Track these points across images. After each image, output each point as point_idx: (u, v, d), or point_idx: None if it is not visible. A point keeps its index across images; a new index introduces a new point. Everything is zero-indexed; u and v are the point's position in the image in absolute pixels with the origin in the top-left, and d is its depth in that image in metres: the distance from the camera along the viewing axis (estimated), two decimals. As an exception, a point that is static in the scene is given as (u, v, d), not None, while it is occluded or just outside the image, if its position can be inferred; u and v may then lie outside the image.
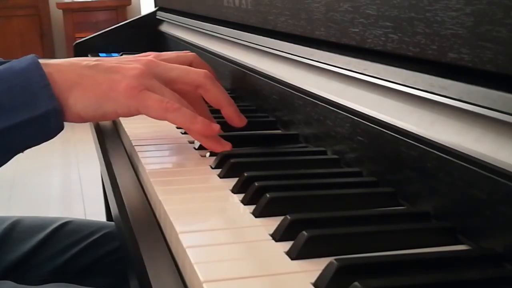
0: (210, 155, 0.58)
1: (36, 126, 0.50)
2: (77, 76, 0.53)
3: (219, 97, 0.58)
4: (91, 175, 2.65)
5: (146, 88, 0.54)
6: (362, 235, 0.38)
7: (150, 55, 0.85)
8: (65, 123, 0.54)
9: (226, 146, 0.57)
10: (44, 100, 0.50)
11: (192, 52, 0.94)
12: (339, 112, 0.54)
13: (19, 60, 0.52)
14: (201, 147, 0.60)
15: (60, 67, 0.53)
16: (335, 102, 0.55)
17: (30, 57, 0.53)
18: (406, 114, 0.45)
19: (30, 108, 0.49)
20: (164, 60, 0.84)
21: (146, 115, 0.55)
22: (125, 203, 0.52)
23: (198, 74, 0.58)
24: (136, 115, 0.55)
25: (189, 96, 0.58)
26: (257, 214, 0.43)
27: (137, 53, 0.89)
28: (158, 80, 0.55)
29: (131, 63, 0.56)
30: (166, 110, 0.53)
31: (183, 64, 0.84)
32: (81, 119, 0.54)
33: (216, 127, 0.55)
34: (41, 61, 0.52)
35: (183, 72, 0.58)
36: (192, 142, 0.63)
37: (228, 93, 0.85)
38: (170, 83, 0.57)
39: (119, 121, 0.72)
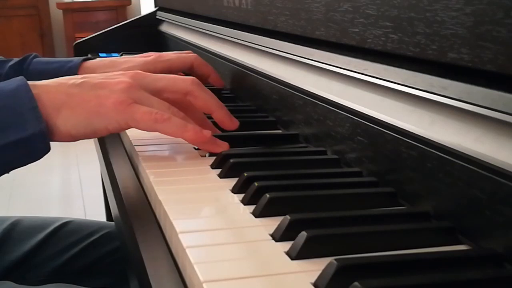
0: (210, 155, 0.58)
1: (23, 147, 0.50)
2: (64, 95, 0.53)
3: (208, 102, 0.58)
4: (91, 175, 2.65)
5: (134, 101, 0.54)
6: (362, 235, 0.38)
7: (151, 56, 0.85)
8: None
9: (223, 146, 0.57)
10: (32, 122, 0.50)
11: (192, 52, 0.94)
12: (339, 112, 0.54)
13: (8, 81, 0.53)
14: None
15: (48, 88, 0.53)
16: (335, 102, 0.55)
17: (19, 78, 0.53)
18: (406, 114, 0.45)
19: (18, 130, 0.50)
20: (165, 60, 0.85)
21: (136, 128, 0.55)
22: (125, 203, 0.52)
23: (185, 81, 0.58)
24: (127, 129, 0.56)
25: (180, 104, 0.58)
26: (257, 214, 0.43)
27: (137, 53, 0.89)
28: (146, 91, 0.56)
29: (117, 77, 0.56)
30: (155, 121, 0.54)
31: (184, 65, 0.85)
32: (72, 138, 0.55)
33: (208, 133, 0.56)
34: (30, 83, 0.53)
35: (170, 81, 0.58)
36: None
37: (228, 93, 0.85)
38: (158, 93, 0.57)
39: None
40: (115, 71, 0.82)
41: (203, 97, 0.58)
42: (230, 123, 0.60)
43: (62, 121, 0.52)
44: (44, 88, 0.53)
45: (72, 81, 0.55)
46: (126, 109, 0.53)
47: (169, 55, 0.86)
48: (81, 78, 0.55)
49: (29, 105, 0.51)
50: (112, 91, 0.54)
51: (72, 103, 0.53)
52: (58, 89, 0.53)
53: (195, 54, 0.88)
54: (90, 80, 0.55)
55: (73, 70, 0.84)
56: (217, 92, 0.68)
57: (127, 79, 0.56)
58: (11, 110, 0.50)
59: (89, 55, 1.18)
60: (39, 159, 0.52)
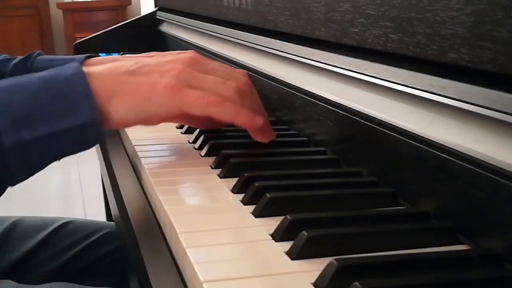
0: (206, 155, 0.57)
1: (75, 135, 0.50)
2: (116, 83, 0.53)
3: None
4: (91, 175, 2.65)
5: (186, 86, 0.53)
6: (362, 235, 0.38)
7: (153, 55, 0.86)
8: None
9: (272, 136, 0.57)
10: (86, 110, 0.50)
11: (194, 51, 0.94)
12: (339, 112, 0.54)
13: (64, 67, 0.52)
14: (200, 147, 0.60)
15: (101, 75, 0.53)
16: (335, 102, 0.55)
17: (74, 66, 0.53)
18: (406, 114, 0.45)
19: (71, 118, 0.49)
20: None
21: (189, 112, 0.54)
22: (125, 203, 0.52)
23: (229, 88, 0.55)
24: (179, 114, 0.54)
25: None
26: (257, 214, 0.43)
27: (137, 53, 0.89)
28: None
29: (169, 63, 0.55)
30: (208, 105, 0.53)
31: None
32: (124, 125, 0.55)
33: (260, 120, 0.55)
34: (84, 69, 0.52)
35: (216, 84, 0.55)
36: (192, 142, 0.63)
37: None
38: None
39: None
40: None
41: (242, 107, 0.56)
42: (270, 134, 0.58)
43: (114, 108, 0.52)
44: (97, 76, 0.52)
45: (124, 68, 0.54)
46: (178, 93, 0.53)
47: (170, 55, 0.86)
48: (134, 63, 0.55)
49: (83, 93, 0.50)
50: (163, 76, 0.53)
51: (123, 91, 0.52)
52: (110, 77, 0.53)
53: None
54: (142, 67, 0.54)
55: None
56: None
57: (178, 65, 0.55)
58: (65, 98, 0.50)
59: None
60: (90, 147, 0.52)
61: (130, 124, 0.55)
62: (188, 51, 0.58)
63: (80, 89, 0.50)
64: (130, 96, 0.53)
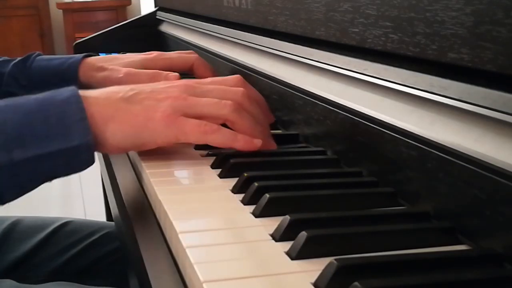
0: (208, 155, 0.57)
1: (67, 157, 0.50)
2: (113, 109, 0.53)
3: (246, 130, 0.56)
4: (91, 175, 2.64)
5: (182, 114, 0.54)
6: (362, 235, 0.38)
7: (153, 54, 0.86)
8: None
9: (272, 146, 0.58)
10: (79, 133, 0.50)
11: (194, 52, 0.94)
12: (339, 112, 0.54)
13: (60, 90, 0.52)
14: (198, 147, 0.60)
15: (97, 100, 0.53)
16: (335, 102, 0.55)
17: (70, 89, 0.53)
18: (406, 114, 0.45)
19: (64, 140, 0.49)
20: (166, 58, 0.86)
21: (186, 141, 0.54)
22: (125, 203, 0.52)
23: (226, 107, 0.56)
24: (176, 142, 0.54)
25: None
26: (257, 214, 0.43)
27: (137, 53, 0.90)
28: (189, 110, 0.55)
29: (165, 90, 0.55)
30: (205, 133, 0.53)
31: (185, 64, 0.86)
32: (120, 150, 0.55)
33: (258, 142, 0.55)
34: (81, 92, 0.52)
35: (212, 107, 0.56)
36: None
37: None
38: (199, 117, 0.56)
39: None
40: (116, 64, 0.83)
41: (240, 123, 0.56)
42: (269, 146, 0.58)
43: (110, 134, 0.52)
44: (94, 100, 0.53)
45: (120, 94, 0.54)
46: (174, 123, 0.53)
47: (170, 54, 0.88)
48: (130, 90, 0.55)
49: (78, 116, 0.50)
50: (159, 104, 0.53)
51: (120, 118, 0.53)
52: (107, 102, 0.53)
53: (196, 54, 0.88)
54: (138, 94, 0.54)
55: (74, 66, 0.84)
56: None
57: (174, 92, 0.55)
58: (59, 120, 0.50)
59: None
60: (82, 170, 0.52)
61: (126, 150, 0.55)
62: (182, 80, 0.58)
63: (75, 111, 0.51)
64: (127, 123, 0.53)
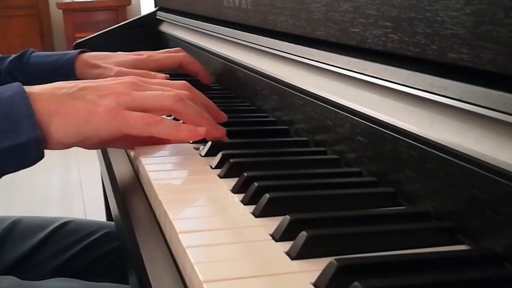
0: (206, 155, 0.57)
1: (17, 154, 0.50)
2: (56, 104, 0.53)
3: (191, 117, 0.57)
4: (91, 175, 2.65)
5: (125, 108, 0.54)
6: (362, 235, 0.38)
7: (144, 55, 0.88)
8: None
9: (219, 134, 0.58)
10: (27, 129, 0.50)
11: (192, 52, 0.95)
12: (339, 112, 0.54)
13: (5, 87, 0.53)
14: (195, 141, 0.61)
15: (42, 95, 0.54)
16: (335, 102, 0.55)
17: (16, 85, 0.53)
18: (406, 114, 0.45)
19: (13, 136, 0.50)
20: (155, 59, 0.88)
21: (129, 133, 0.55)
22: (125, 203, 0.52)
23: (169, 98, 0.56)
24: (120, 136, 0.55)
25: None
26: (257, 214, 0.43)
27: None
28: (133, 103, 0.55)
29: (109, 87, 0.56)
30: (148, 125, 0.54)
31: (173, 63, 0.88)
32: (63, 146, 0.55)
33: (202, 129, 0.56)
34: (26, 88, 0.53)
35: (155, 99, 0.56)
36: (192, 143, 0.63)
37: (228, 93, 0.86)
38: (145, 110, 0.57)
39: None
40: (109, 62, 0.84)
41: (185, 113, 0.57)
42: (216, 132, 0.59)
43: (53, 129, 0.53)
44: (39, 95, 0.53)
45: (64, 89, 0.55)
46: (117, 116, 0.53)
47: (159, 54, 0.90)
48: (74, 85, 0.55)
49: (25, 112, 0.51)
50: (102, 99, 0.54)
51: (63, 112, 0.53)
52: (51, 97, 0.54)
53: (184, 52, 0.91)
54: (82, 89, 0.55)
55: (70, 62, 0.86)
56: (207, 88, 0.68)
57: (118, 88, 0.56)
58: (7, 117, 0.50)
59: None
60: (31, 165, 0.53)
61: (69, 145, 0.55)
62: (128, 76, 0.59)
63: (22, 108, 0.51)
64: (70, 118, 0.53)
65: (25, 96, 0.52)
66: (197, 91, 0.62)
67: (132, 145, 0.61)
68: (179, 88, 0.60)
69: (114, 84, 0.57)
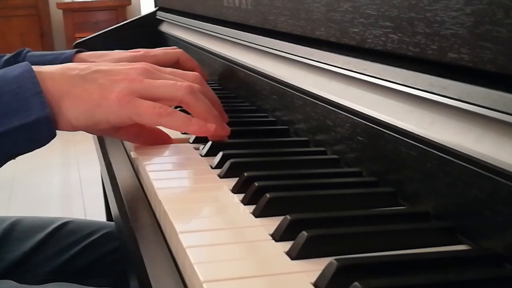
0: (206, 155, 0.57)
1: (28, 133, 0.50)
2: (68, 85, 0.53)
3: (199, 111, 0.57)
4: (91, 175, 2.65)
5: (138, 95, 0.54)
6: (362, 235, 0.38)
7: (141, 52, 0.88)
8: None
9: (225, 134, 0.58)
10: (36, 107, 0.50)
11: (192, 52, 0.95)
12: (339, 112, 0.54)
13: (13, 67, 0.52)
14: (195, 141, 0.60)
15: (53, 74, 0.53)
16: (335, 102, 0.55)
17: (24, 64, 0.53)
18: (406, 114, 0.45)
19: (22, 115, 0.49)
20: (152, 56, 0.87)
21: (140, 122, 0.54)
22: (125, 203, 0.52)
23: (181, 89, 0.56)
24: (129, 123, 0.55)
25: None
26: (257, 214, 0.43)
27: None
28: (146, 91, 0.55)
29: (122, 72, 0.55)
30: (159, 116, 0.53)
31: (170, 60, 0.88)
32: (73, 128, 0.54)
33: (212, 126, 0.56)
34: (34, 68, 0.52)
35: (168, 88, 0.56)
36: (193, 142, 0.63)
37: (228, 93, 0.86)
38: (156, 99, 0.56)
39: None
40: (106, 60, 0.84)
41: (196, 106, 0.56)
42: (223, 131, 0.59)
43: (64, 110, 0.52)
44: (49, 74, 0.52)
45: (77, 70, 0.54)
46: (129, 103, 0.53)
47: (156, 51, 0.90)
48: (87, 67, 0.55)
49: (33, 90, 0.50)
50: (115, 84, 0.53)
51: (75, 94, 0.52)
52: (62, 78, 0.53)
53: (180, 49, 0.91)
54: (94, 72, 0.54)
55: (67, 61, 0.85)
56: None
57: (131, 74, 0.55)
58: (15, 95, 0.50)
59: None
60: (44, 144, 0.52)
61: (78, 128, 0.54)
62: (141, 62, 0.58)
63: (29, 86, 0.50)
64: (81, 100, 0.53)
65: (32, 75, 0.51)
66: (207, 85, 0.62)
67: (136, 137, 0.60)
68: (191, 79, 0.59)
69: (127, 69, 0.56)
